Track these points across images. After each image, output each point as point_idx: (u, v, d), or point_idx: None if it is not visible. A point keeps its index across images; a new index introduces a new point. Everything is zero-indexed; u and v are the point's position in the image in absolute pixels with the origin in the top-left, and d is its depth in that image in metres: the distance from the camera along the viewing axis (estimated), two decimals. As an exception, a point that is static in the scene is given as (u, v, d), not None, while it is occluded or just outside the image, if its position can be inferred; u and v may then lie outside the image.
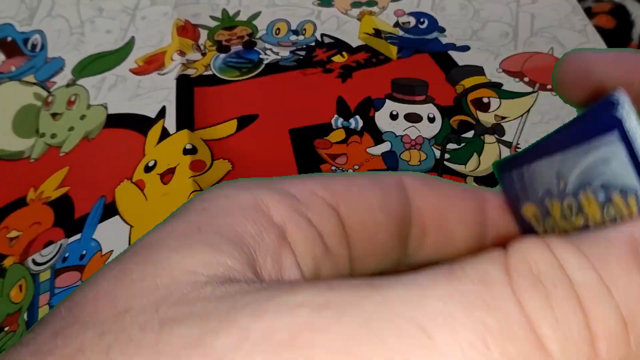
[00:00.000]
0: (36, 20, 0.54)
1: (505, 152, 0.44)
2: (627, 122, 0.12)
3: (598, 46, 0.49)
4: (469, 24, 0.52)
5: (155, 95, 0.48)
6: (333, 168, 0.43)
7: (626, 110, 0.12)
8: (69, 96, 0.50)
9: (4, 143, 0.48)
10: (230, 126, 0.45)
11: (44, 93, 0.50)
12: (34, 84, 0.51)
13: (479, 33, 0.51)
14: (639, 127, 0.12)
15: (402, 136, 0.45)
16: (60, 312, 0.11)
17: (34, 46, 0.53)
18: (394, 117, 0.46)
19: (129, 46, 0.52)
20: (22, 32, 0.53)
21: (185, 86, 0.47)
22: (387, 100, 0.47)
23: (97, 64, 0.52)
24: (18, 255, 0.43)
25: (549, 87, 0.48)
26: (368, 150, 0.44)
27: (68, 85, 0.51)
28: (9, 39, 0.53)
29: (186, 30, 0.52)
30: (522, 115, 0.46)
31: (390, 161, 0.43)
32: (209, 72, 0.49)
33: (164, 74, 0.50)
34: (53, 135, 0.48)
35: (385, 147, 0.44)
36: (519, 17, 0.52)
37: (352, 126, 0.45)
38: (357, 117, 0.46)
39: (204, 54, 0.51)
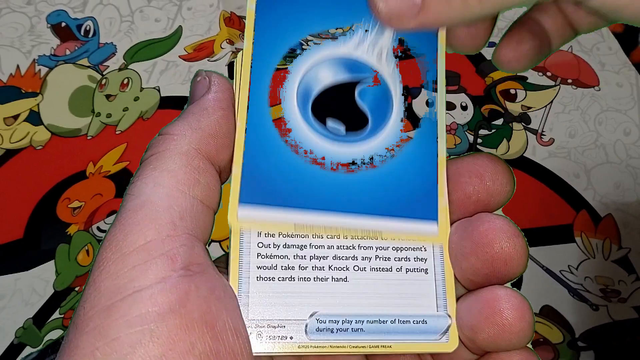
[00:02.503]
0: (88, 8, 0.57)
1: (532, 139, 0.49)
2: None
3: (613, 45, 0.54)
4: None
5: (207, 79, 0.51)
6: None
7: None
8: (121, 79, 0.53)
9: (61, 121, 0.51)
10: (279, 109, 0.49)
11: (98, 76, 0.53)
12: (88, 67, 0.54)
13: (504, 31, 0.55)
14: None
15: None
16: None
17: (87, 32, 0.56)
18: (429, 104, 0.50)
19: (177, 34, 0.56)
20: (75, 18, 0.56)
21: (237, 72, 0.51)
22: (422, 89, 0.50)
23: (147, 50, 0.55)
24: (82, 223, 0.46)
25: (569, 81, 0.52)
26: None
27: (120, 69, 0.54)
28: (63, 24, 0.56)
29: (232, 21, 0.56)
30: (546, 106, 0.50)
31: (428, 144, 0.47)
32: (256, 60, 0.53)
33: (214, 61, 0.53)
34: (108, 115, 0.51)
35: (422, 131, 0.48)
36: (540, 18, 0.57)
37: (392, 112, 0.49)
38: (396, 103, 0.50)
39: (250, 43, 0.54)
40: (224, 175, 0.20)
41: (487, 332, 0.19)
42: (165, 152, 0.18)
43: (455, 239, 0.20)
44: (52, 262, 0.44)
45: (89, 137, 0.50)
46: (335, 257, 0.19)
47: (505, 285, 0.19)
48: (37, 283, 0.44)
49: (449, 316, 0.20)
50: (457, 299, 0.20)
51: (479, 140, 0.48)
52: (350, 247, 0.20)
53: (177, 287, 0.16)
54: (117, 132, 0.50)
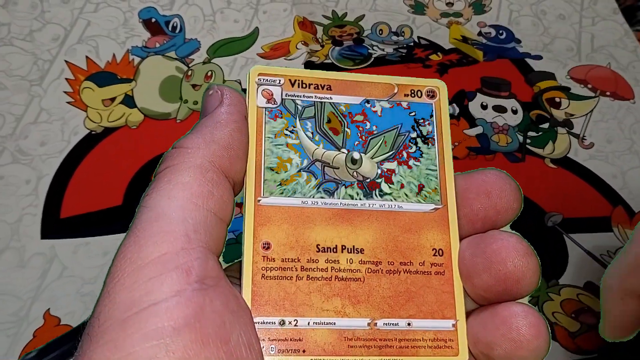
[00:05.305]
0: (176, 6, 0.63)
1: (574, 142, 0.55)
2: None
3: (646, 64, 0.60)
4: (540, 39, 0.63)
5: (286, 75, 0.57)
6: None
7: None
8: (205, 71, 0.59)
9: (152, 105, 0.57)
10: (350, 104, 0.55)
11: (184, 67, 0.60)
12: (175, 59, 0.60)
13: (549, 46, 0.62)
14: None
15: (491, 123, 0.55)
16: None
17: (174, 28, 0.62)
18: (484, 107, 0.56)
19: (254, 34, 0.62)
20: (163, 15, 0.63)
21: (313, 70, 0.57)
22: (477, 93, 0.57)
23: (228, 47, 0.61)
24: (176, 194, 0.52)
25: (607, 93, 0.58)
26: (464, 131, 0.54)
27: (204, 63, 0.60)
28: (153, 20, 0.62)
29: (305, 25, 0.62)
30: (587, 114, 0.56)
31: (484, 141, 0.53)
32: (329, 61, 0.59)
33: (291, 60, 0.59)
34: (195, 102, 0.58)
35: (478, 130, 0.54)
36: (581, 36, 0.63)
37: (450, 112, 0.55)
38: (454, 104, 0.56)
39: (322, 46, 0.60)
40: (236, 187, 0.20)
41: (503, 349, 0.19)
42: (179, 165, 0.19)
43: (468, 255, 0.20)
44: (149, 227, 0.50)
45: (178, 121, 0.56)
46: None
47: (520, 301, 0.20)
48: (138, 244, 0.49)
49: (458, 320, 0.20)
50: (469, 314, 0.20)
51: (528, 141, 0.54)
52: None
53: (192, 300, 0.17)
54: (203, 118, 0.57)
